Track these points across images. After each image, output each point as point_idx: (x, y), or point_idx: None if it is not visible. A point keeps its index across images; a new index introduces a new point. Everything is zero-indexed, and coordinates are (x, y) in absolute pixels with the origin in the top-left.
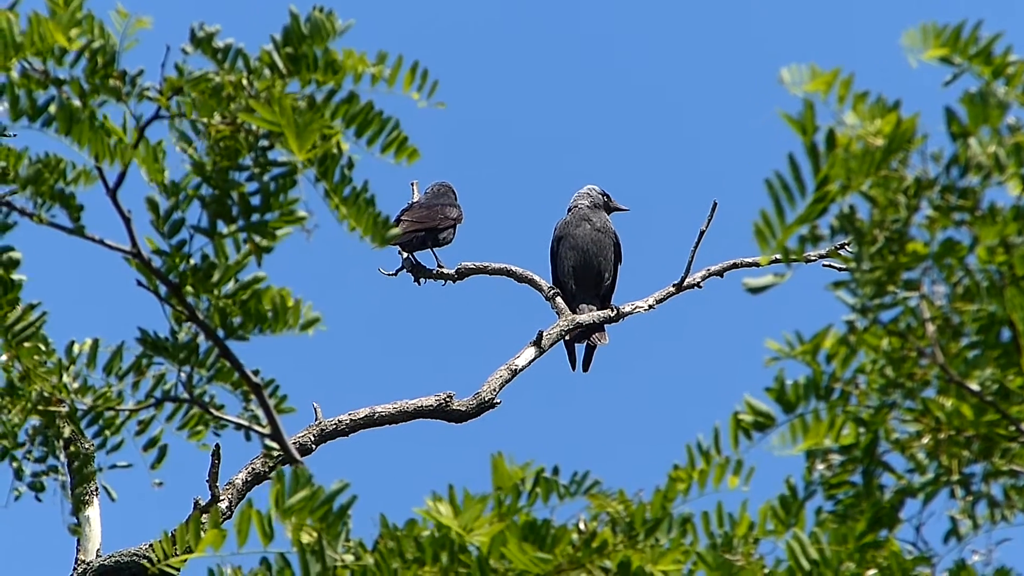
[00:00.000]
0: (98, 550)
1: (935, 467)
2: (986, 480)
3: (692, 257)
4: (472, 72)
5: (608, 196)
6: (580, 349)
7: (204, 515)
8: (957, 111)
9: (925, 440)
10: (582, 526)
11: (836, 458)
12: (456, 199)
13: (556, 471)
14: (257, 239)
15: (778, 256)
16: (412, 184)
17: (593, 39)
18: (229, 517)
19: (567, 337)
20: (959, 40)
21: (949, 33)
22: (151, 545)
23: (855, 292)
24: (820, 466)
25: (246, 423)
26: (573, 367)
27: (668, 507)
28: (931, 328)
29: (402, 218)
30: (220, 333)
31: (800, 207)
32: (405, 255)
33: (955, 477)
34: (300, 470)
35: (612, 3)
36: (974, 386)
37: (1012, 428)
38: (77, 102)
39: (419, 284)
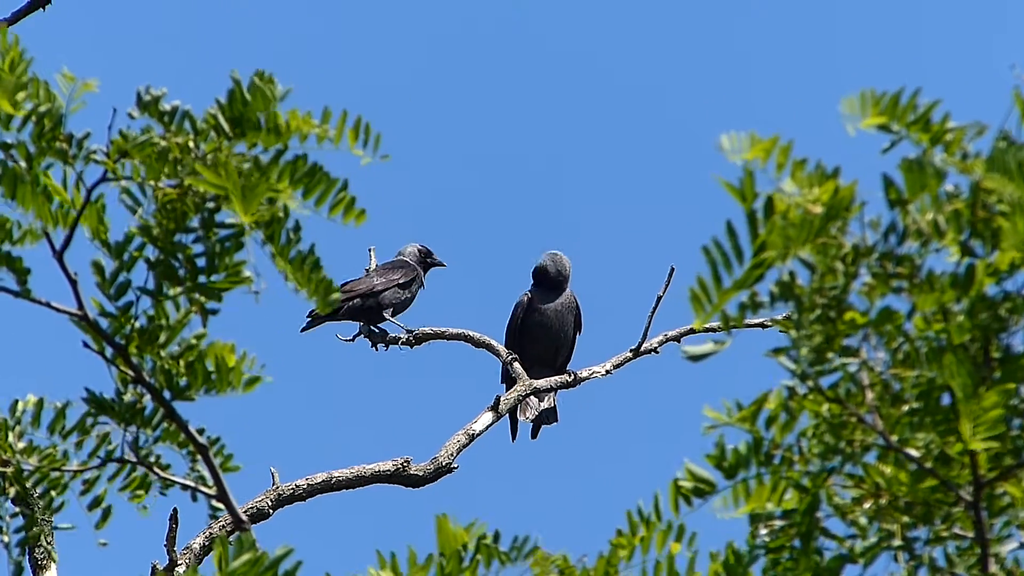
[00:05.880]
0: None
1: (876, 530)
2: (929, 544)
3: (649, 322)
4: (428, 136)
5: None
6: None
7: None
8: (895, 178)
9: (866, 505)
10: None
11: (779, 523)
12: (411, 259)
13: (497, 536)
14: (203, 300)
15: (714, 324)
16: (370, 250)
17: (549, 96)
18: None
19: (529, 418)
20: (897, 107)
21: (887, 100)
22: None
23: (795, 358)
24: (763, 531)
25: (192, 484)
26: (513, 439)
27: (612, 573)
28: (870, 395)
29: (343, 289)
30: (166, 394)
31: (737, 273)
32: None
33: (897, 542)
34: (244, 535)
35: (568, 58)
36: (913, 452)
37: (951, 494)
38: (23, 164)
39: (376, 350)
